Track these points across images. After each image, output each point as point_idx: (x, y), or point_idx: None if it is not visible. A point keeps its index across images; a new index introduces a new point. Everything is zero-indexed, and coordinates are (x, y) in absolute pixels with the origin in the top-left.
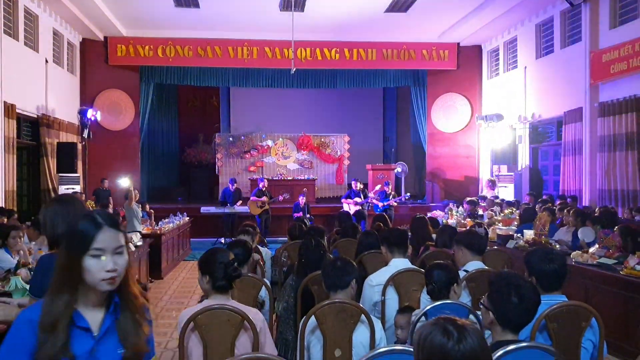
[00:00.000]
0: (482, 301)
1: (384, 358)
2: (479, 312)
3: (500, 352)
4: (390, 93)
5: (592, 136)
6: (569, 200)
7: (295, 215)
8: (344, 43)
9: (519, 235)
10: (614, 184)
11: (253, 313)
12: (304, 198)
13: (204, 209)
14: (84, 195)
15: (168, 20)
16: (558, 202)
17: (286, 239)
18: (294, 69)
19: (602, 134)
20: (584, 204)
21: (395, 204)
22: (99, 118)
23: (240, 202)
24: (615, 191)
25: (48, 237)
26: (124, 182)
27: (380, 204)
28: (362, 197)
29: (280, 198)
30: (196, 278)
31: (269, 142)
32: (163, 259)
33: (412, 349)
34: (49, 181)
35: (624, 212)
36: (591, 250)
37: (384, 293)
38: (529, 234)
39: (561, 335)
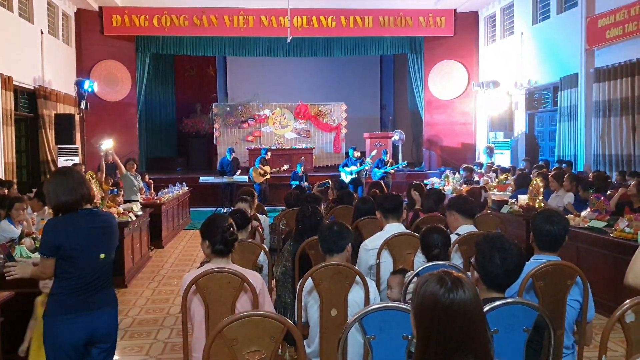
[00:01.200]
0: (471, 260)
1: (377, 314)
2: (469, 274)
3: (487, 308)
4: (387, 61)
5: (587, 102)
6: (564, 166)
7: (293, 182)
8: (340, 11)
9: (513, 200)
10: (608, 149)
11: (252, 275)
12: (302, 167)
13: (202, 179)
14: (83, 166)
15: None
16: (554, 167)
17: (284, 207)
18: (290, 38)
19: (597, 100)
20: (579, 169)
21: (393, 171)
22: (95, 89)
23: (239, 171)
24: (610, 156)
25: (52, 206)
26: (107, 143)
27: (380, 170)
28: (358, 165)
29: (281, 169)
30: (196, 246)
31: (267, 112)
32: (163, 228)
33: (404, 306)
34: (48, 153)
35: (617, 176)
36: (583, 213)
37: (379, 256)
38: (523, 199)
39: (547, 294)
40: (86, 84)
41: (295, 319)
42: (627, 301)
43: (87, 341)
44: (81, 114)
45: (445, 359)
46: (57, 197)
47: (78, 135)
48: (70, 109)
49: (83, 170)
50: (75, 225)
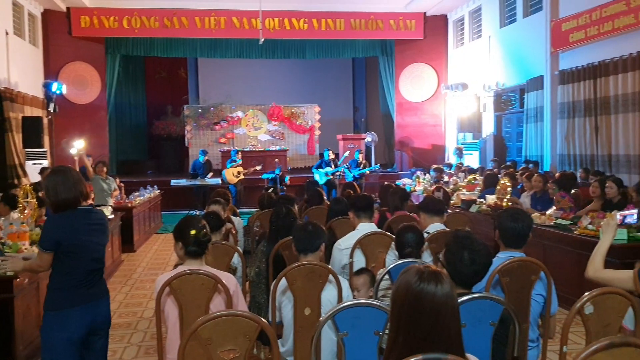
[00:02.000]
0: (440, 257)
1: (349, 311)
2: None
3: None
4: (359, 63)
5: (552, 103)
6: (530, 166)
7: (269, 177)
8: (312, 13)
9: (481, 200)
10: (572, 149)
11: (226, 277)
12: (281, 170)
13: (174, 182)
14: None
15: None
16: (521, 167)
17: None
18: (262, 40)
19: (562, 101)
20: (545, 169)
21: (368, 172)
22: (64, 91)
23: (212, 174)
24: (574, 156)
25: (52, 202)
26: (79, 144)
27: (351, 173)
28: (332, 166)
29: (259, 168)
30: (169, 250)
31: (239, 113)
32: (135, 232)
33: (375, 303)
34: (15, 157)
35: (581, 173)
36: (548, 212)
37: (351, 255)
38: (491, 198)
39: (513, 289)
40: (54, 86)
41: (270, 319)
42: (587, 293)
43: (88, 331)
44: (49, 117)
45: (412, 347)
46: (57, 195)
47: (46, 139)
48: (38, 112)
49: None
50: (74, 221)
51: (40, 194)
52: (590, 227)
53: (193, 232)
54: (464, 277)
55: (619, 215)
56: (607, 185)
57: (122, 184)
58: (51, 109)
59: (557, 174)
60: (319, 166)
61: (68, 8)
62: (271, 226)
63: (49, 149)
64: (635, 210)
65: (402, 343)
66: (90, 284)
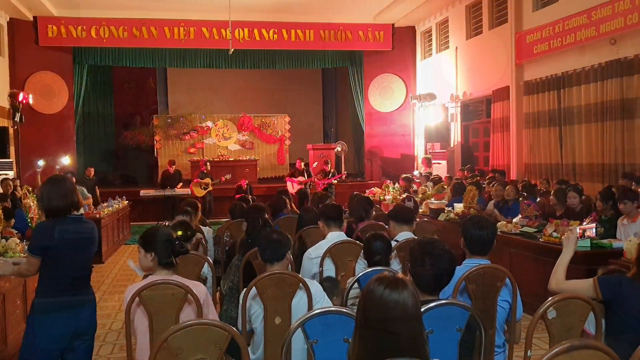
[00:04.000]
0: (408, 265)
1: (319, 319)
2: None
3: (422, 309)
4: (328, 74)
5: (518, 113)
6: (497, 175)
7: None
8: (282, 24)
9: (449, 208)
10: (538, 159)
11: (195, 286)
12: (247, 180)
13: (143, 193)
14: (18, 181)
15: None
16: (488, 176)
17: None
18: (232, 50)
19: (527, 111)
20: (511, 178)
21: (336, 182)
22: (31, 101)
23: (181, 184)
24: (540, 165)
25: (45, 209)
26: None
27: (320, 183)
28: (305, 176)
29: (223, 179)
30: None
31: (209, 123)
32: (103, 243)
33: (345, 310)
34: None
35: (542, 184)
36: (514, 220)
37: (321, 264)
38: (458, 207)
39: (479, 295)
40: (21, 96)
41: (240, 329)
42: (549, 299)
43: (72, 335)
44: (15, 127)
45: (366, 346)
46: (50, 202)
47: (12, 149)
48: (3, 122)
49: (18, 184)
50: (63, 229)
51: (6, 203)
52: (554, 234)
53: (179, 232)
54: (426, 282)
55: (579, 229)
56: (569, 195)
57: (90, 195)
58: (17, 119)
59: (519, 184)
60: (292, 175)
61: (35, 17)
62: (247, 239)
63: (15, 160)
64: (594, 225)
65: (358, 342)
66: (75, 290)
